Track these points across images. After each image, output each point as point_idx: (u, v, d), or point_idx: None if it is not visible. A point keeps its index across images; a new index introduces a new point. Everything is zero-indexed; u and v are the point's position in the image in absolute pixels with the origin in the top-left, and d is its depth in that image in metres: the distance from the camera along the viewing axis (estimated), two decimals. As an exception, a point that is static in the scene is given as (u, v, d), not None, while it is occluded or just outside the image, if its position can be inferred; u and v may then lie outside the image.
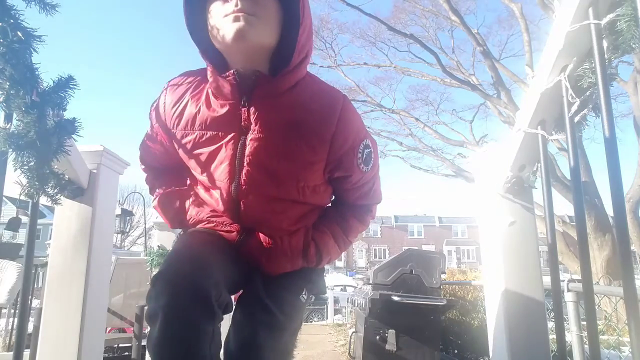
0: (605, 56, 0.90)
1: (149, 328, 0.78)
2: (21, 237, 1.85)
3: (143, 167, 1.10)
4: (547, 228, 1.17)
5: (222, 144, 0.84)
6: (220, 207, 0.92)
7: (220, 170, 0.87)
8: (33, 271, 2.11)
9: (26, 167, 1.00)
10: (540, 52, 1.13)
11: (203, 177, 0.92)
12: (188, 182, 1.05)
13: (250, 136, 0.82)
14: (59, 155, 1.06)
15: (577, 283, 1.84)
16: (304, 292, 0.99)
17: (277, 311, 0.90)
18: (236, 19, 0.74)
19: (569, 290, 1.87)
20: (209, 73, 0.83)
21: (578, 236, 1.00)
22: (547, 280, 1.29)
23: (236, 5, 0.74)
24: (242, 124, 0.82)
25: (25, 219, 1.36)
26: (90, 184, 1.57)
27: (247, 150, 0.83)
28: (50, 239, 1.64)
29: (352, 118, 0.88)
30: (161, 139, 0.96)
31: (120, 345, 3.57)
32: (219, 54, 0.82)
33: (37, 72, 0.94)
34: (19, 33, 0.87)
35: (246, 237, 0.94)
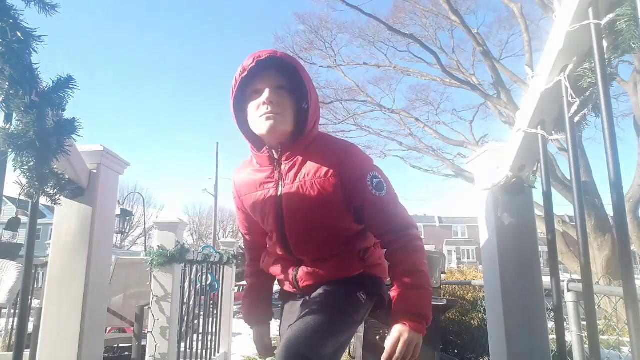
0: (605, 56, 0.90)
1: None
2: (21, 237, 1.85)
3: (245, 244, 1.39)
4: (547, 228, 1.17)
5: (268, 198, 1.14)
6: (278, 249, 1.20)
7: (270, 218, 1.15)
8: (33, 271, 2.11)
9: (26, 167, 0.99)
10: (540, 52, 1.13)
11: (266, 227, 1.22)
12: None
13: (283, 188, 1.12)
14: (58, 155, 1.05)
15: (577, 283, 1.84)
16: (361, 292, 1.15)
17: (329, 302, 1.10)
18: (268, 118, 1.07)
19: (569, 290, 1.87)
20: (251, 151, 1.18)
21: (578, 236, 1.00)
22: (547, 280, 1.29)
23: (267, 109, 1.07)
24: (278, 178, 1.13)
25: (25, 219, 1.36)
26: (90, 184, 1.56)
27: (284, 195, 1.12)
28: (50, 239, 1.64)
29: (353, 156, 1.11)
30: (242, 209, 1.28)
31: (120, 345, 3.56)
32: (256, 136, 1.15)
33: (36, 72, 0.94)
34: (18, 33, 0.86)
35: (300, 281, 1.18)
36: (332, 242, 1.15)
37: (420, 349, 1.06)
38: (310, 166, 1.09)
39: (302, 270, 1.17)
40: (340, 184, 1.08)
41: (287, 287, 1.26)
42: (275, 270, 1.24)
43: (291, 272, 1.20)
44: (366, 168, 1.11)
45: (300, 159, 1.11)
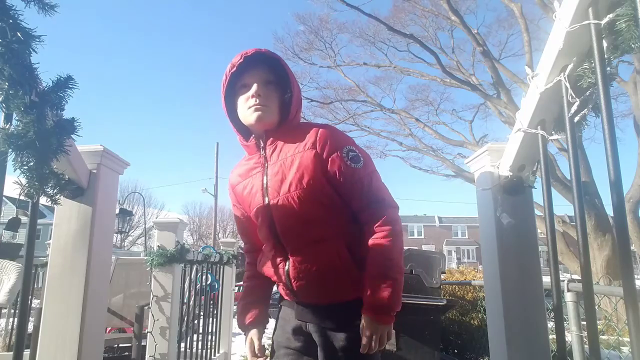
0: (605, 56, 0.90)
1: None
2: (21, 237, 1.85)
3: (244, 247, 1.42)
4: (547, 228, 1.17)
5: (255, 181, 1.21)
6: (266, 236, 1.22)
7: (258, 199, 1.20)
8: (33, 271, 2.10)
9: (26, 167, 0.99)
10: (540, 52, 1.13)
11: (254, 215, 1.23)
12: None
13: (268, 169, 1.20)
14: (58, 155, 1.05)
15: (577, 283, 1.84)
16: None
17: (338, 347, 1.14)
18: (256, 110, 1.17)
19: (569, 290, 1.87)
20: (239, 142, 1.27)
21: (578, 236, 1.00)
22: (547, 280, 1.29)
23: (255, 101, 1.17)
24: (263, 162, 1.21)
25: (25, 219, 1.36)
26: (90, 184, 1.56)
27: (269, 174, 1.19)
28: (50, 239, 1.64)
29: (330, 131, 1.18)
30: (237, 204, 1.33)
31: (120, 345, 3.56)
32: (244, 127, 1.24)
33: (36, 72, 0.94)
34: (18, 33, 0.86)
35: (292, 280, 1.18)
36: (316, 221, 1.15)
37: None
38: (291, 145, 1.18)
39: (292, 264, 1.16)
40: (318, 155, 1.14)
41: (283, 291, 1.26)
42: (269, 269, 1.24)
43: (282, 267, 1.19)
44: (343, 142, 1.18)
45: (283, 141, 1.20)
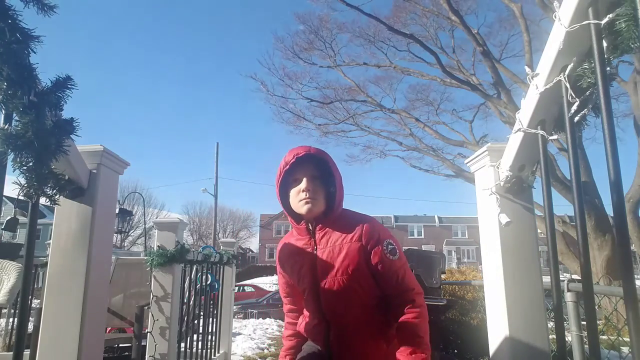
0: (605, 56, 0.90)
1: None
2: (21, 237, 1.85)
3: (285, 307, 1.61)
4: (547, 228, 1.17)
5: (305, 261, 1.41)
6: (311, 308, 1.43)
7: (307, 278, 1.40)
8: (33, 271, 2.10)
9: (25, 168, 0.99)
10: (540, 52, 1.13)
11: (301, 287, 1.44)
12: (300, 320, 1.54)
13: (318, 250, 1.39)
14: (57, 155, 1.05)
15: (577, 283, 1.84)
16: None
17: None
18: (306, 203, 1.36)
19: (569, 290, 1.87)
20: (291, 224, 1.46)
21: (578, 236, 1.00)
22: (547, 280, 1.29)
23: (305, 195, 1.36)
24: (313, 245, 1.41)
25: (23, 219, 1.36)
26: (90, 184, 1.56)
27: (318, 257, 1.38)
28: (50, 239, 1.64)
29: (373, 226, 1.37)
30: (282, 274, 1.52)
31: (120, 345, 3.56)
32: (295, 212, 1.43)
33: (35, 73, 0.94)
34: (17, 34, 0.86)
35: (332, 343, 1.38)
36: (355, 301, 1.35)
37: None
38: (339, 234, 1.38)
39: (333, 334, 1.37)
40: (363, 247, 1.34)
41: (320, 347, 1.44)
42: (311, 334, 1.46)
43: (324, 335, 1.39)
44: (383, 235, 1.37)
45: (331, 229, 1.39)
